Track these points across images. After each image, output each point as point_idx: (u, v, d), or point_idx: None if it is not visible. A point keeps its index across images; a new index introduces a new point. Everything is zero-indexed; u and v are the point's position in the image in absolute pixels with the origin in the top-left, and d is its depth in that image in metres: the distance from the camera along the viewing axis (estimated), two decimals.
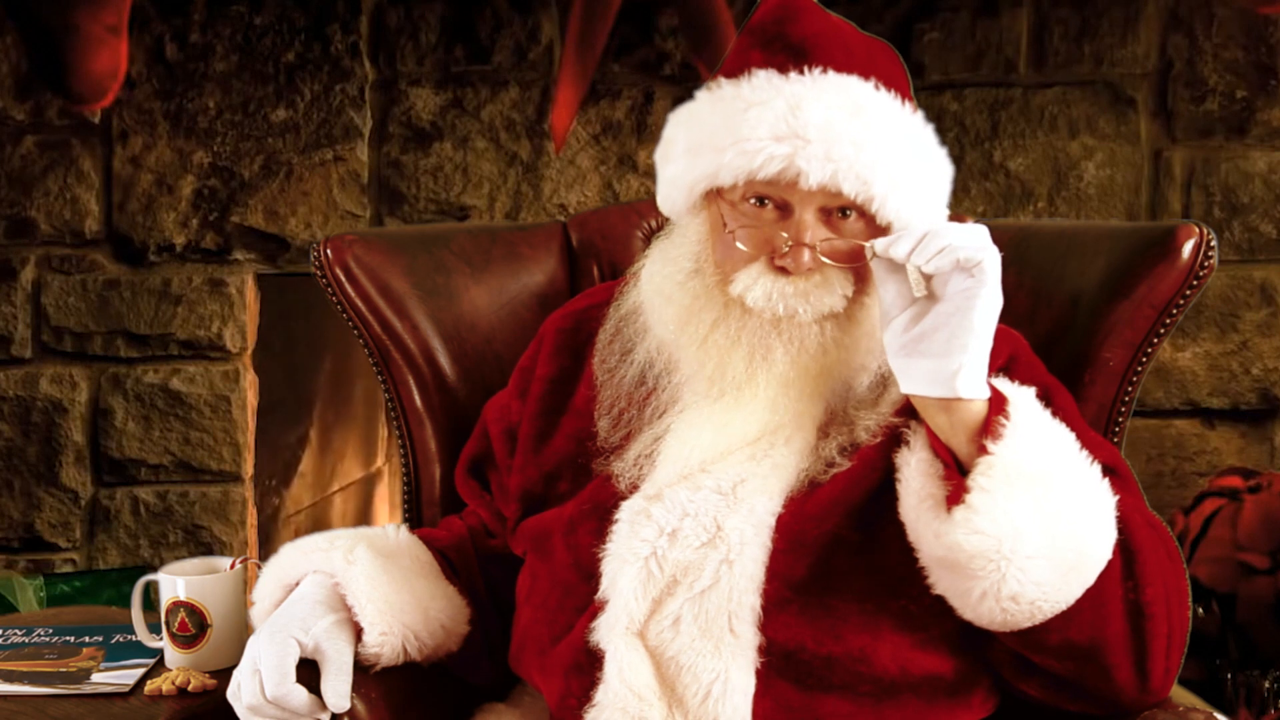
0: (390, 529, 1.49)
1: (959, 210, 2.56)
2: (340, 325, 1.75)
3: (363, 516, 3.33)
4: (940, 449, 1.21)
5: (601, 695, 1.27)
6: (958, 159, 2.70)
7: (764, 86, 1.27)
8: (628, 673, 1.26)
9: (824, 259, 1.26)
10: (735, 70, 1.30)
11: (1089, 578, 1.20)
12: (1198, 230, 1.49)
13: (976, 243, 1.19)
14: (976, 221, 1.75)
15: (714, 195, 1.31)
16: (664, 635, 1.26)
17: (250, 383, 2.81)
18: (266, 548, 2.91)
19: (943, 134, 2.73)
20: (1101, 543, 1.21)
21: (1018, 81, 2.71)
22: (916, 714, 1.27)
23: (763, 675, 1.24)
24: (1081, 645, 1.22)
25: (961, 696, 1.30)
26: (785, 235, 1.26)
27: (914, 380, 1.20)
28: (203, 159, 2.75)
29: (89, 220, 2.76)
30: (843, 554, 1.27)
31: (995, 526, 1.17)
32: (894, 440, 1.28)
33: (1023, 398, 1.23)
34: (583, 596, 1.31)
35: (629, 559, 1.28)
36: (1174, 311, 1.49)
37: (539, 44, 2.72)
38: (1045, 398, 1.34)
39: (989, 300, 1.18)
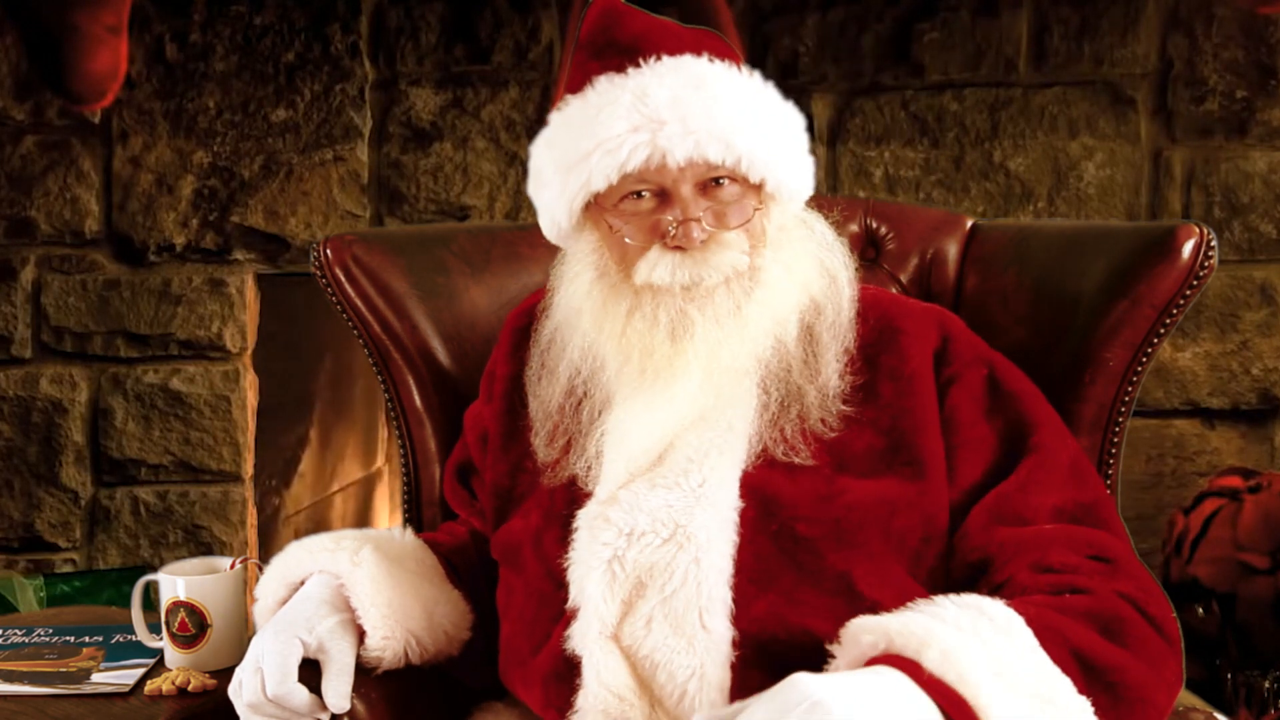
0: (396, 531, 1.49)
1: (960, 210, 2.56)
2: (340, 325, 1.75)
3: (363, 516, 3.33)
4: None
5: (582, 700, 1.27)
6: (958, 159, 2.71)
7: (608, 89, 1.31)
8: (605, 675, 1.26)
9: (711, 227, 1.29)
10: (578, 85, 1.35)
11: None
12: (1198, 230, 1.49)
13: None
14: (977, 221, 1.75)
15: (595, 209, 1.34)
16: (637, 635, 1.26)
17: (250, 383, 2.81)
18: (266, 548, 2.92)
19: (943, 134, 2.75)
20: None
21: (1018, 81, 2.71)
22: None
23: (738, 669, 1.24)
24: None
25: None
26: (670, 218, 1.29)
27: None
28: (203, 159, 2.75)
29: (89, 220, 2.76)
30: (806, 548, 1.27)
31: None
32: (852, 440, 1.30)
33: None
34: (557, 606, 1.32)
35: (593, 564, 1.28)
36: (1174, 311, 1.49)
37: (539, 44, 2.72)
38: (993, 379, 1.36)
39: None
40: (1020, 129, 2.71)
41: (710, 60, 1.33)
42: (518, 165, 2.73)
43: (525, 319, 1.50)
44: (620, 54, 1.33)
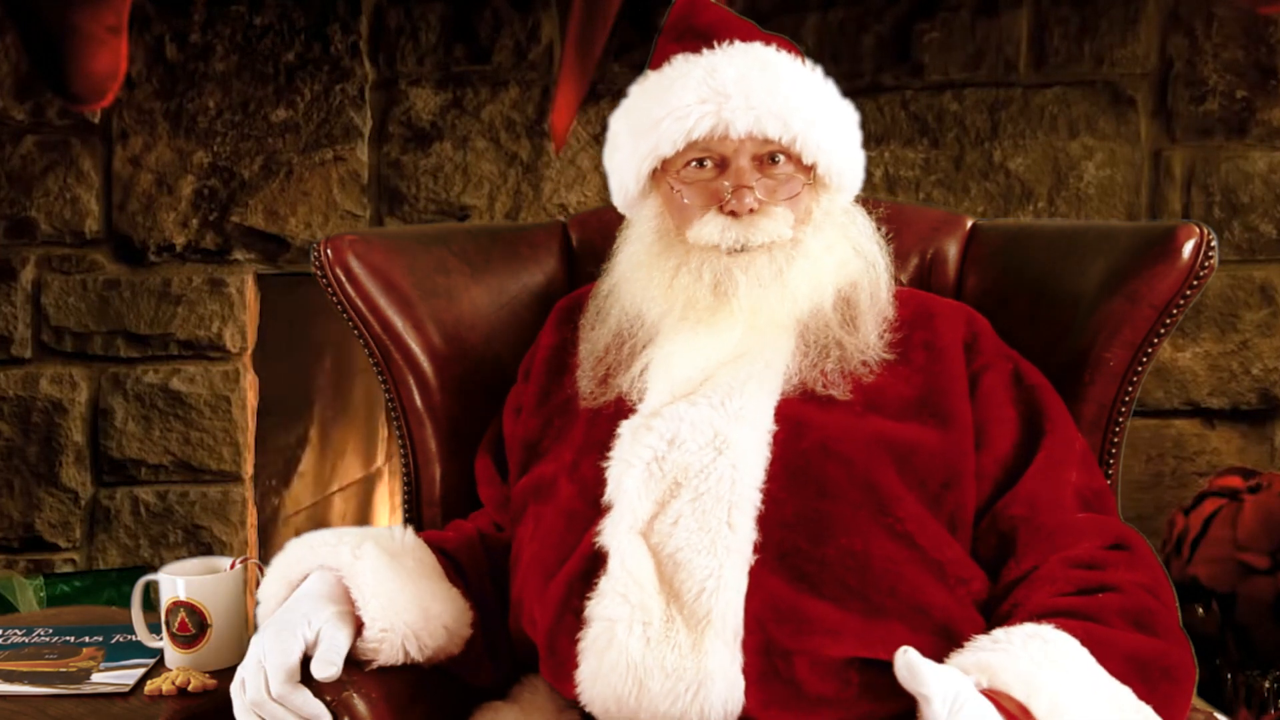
0: (396, 530, 1.50)
1: (960, 210, 2.56)
2: (340, 325, 1.75)
3: (363, 516, 3.33)
4: None
5: (604, 583, 1.31)
6: (958, 159, 2.71)
7: (683, 64, 1.46)
8: (630, 562, 1.31)
9: (762, 198, 1.42)
10: (657, 64, 1.50)
11: None
12: (1198, 230, 1.49)
13: None
14: (977, 221, 1.75)
15: (660, 174, 1.48)
16: (664, 532, 1.32)
17: (250, 383, 2.81)
18: (266, 548, 2.92)
19: (943, 134, 2.76)
20: None
21: (1018, 81, 2.71)
22: (901, 640, 1.26)
23: (755, 574, 1.29)
24: None
25: (947, 639, 1.29)
26: (727, 184, 1.42)
27: None
28: (203, 159, 2.75)
29: (89, 220, 2.76)
30: (835, 464, 1.34)
31: None
32: (885, 388, 1.40)
33: None
34: (589, 520, 1.36)
35: (632, 463, 1.36)
36: (1174, 311, 1.50)
37: (539, 44, 2.72)
38: (1017, 373, 1.46)
39: None
40: (1020, 129, 2.71)
41: (777, 50, 1.48)
42: (518, 165, 2.73)
43: (573, 300, 1.61)
44: (697, 37, 1.48)
